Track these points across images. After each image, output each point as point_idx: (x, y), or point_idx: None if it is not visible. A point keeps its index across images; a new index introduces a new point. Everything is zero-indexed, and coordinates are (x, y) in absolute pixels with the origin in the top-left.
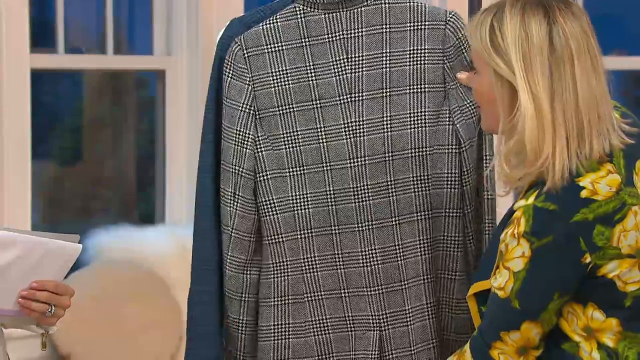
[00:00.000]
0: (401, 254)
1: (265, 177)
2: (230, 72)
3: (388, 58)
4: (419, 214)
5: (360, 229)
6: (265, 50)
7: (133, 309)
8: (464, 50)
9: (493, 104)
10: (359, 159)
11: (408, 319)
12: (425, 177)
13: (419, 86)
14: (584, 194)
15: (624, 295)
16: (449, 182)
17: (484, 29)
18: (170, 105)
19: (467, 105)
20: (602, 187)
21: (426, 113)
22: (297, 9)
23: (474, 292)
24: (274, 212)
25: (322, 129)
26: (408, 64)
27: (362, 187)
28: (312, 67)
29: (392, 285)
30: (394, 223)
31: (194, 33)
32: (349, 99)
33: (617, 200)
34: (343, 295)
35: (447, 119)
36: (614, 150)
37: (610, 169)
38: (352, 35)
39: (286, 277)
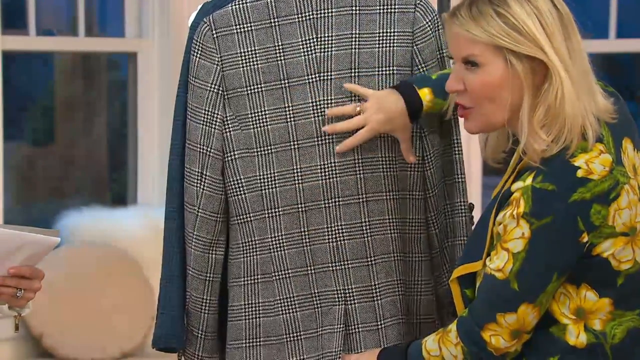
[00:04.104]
0: (368, 231)
1: (233, 157)
2: (199, 52)
3: (357, 39)
4: (387, 193)
5: (327, 205)
6: (234, 31)
7: (105, 289)
8: (432, 34)
9: (499, 94)
10: (327, 137)
11: (375, 295)
12: (393, 158)
13: (387, 69)
14: (580, 173)
15: (617, 274)
16: (412, 165)
17: (489, 18)
18: (142, 87)
19: None
20: (596, 167)
21: None
22: None
23: (457, 276)
24: (242, 192)
25: (290, 108)
26: (377, 46)
27: (329, 165)
28: (280, 46)
29: (357, 260)
30: (360, 200)
31: (165, 15)
32: (318, 78)
33: (612, 179)
34: (309, 272)
35: None
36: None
37: (601, 149)
38: (322, 15)
39: (255, 257)
